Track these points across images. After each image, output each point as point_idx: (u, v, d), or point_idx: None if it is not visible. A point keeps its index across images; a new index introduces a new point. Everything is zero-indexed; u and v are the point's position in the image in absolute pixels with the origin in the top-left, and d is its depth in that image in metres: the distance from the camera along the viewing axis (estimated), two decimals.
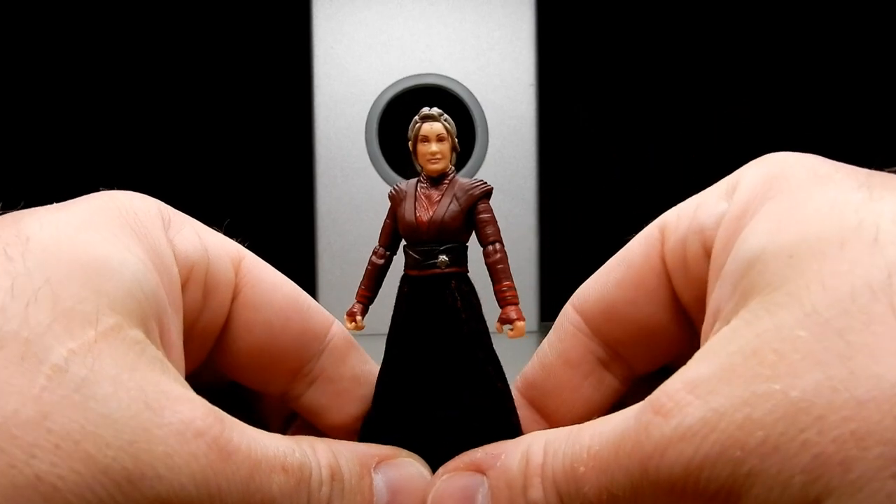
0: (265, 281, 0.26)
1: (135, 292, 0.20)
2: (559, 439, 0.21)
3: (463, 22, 0.73)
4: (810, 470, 0.16)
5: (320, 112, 0.72)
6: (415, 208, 0.25)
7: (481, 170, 0.72)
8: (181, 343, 0.23)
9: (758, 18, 0.81)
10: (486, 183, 0.25)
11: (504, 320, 0.24)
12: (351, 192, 0.73)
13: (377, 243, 0.26)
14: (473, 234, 0.26)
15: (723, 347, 0.19)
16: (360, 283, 0.26)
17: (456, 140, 0.25)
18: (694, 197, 0.25)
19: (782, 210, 0.20)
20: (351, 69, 0.73)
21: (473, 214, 0.25)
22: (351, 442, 0.24)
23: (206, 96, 0.84)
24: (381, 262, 0.26)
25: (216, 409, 0.20)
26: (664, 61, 0.83)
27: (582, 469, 0.20)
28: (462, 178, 0.25)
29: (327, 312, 0.27)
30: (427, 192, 0.25)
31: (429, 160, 0.25)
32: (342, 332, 0.27)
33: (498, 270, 0.24)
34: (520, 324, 0.24)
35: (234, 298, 0.25)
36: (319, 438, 0.23)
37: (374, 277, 0.26)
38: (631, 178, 0.82)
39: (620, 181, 0.83)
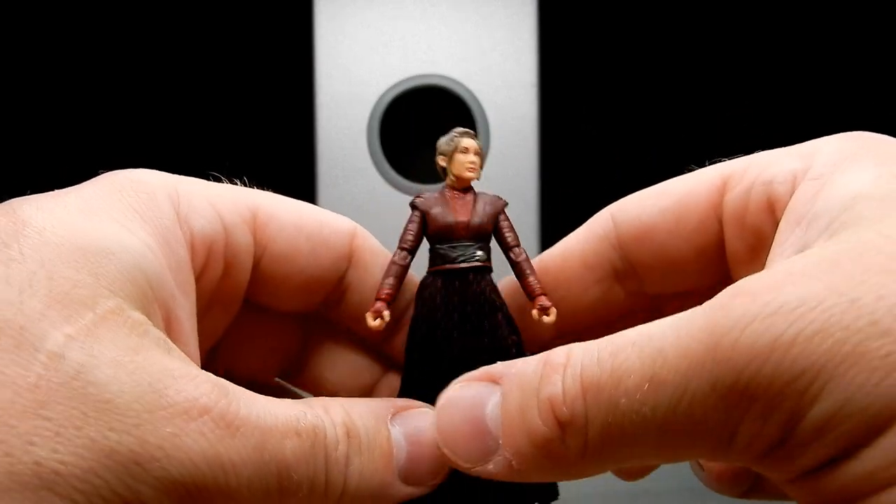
0: (285, 230, 0.26)
1: (136, 275, 0.20)
2: (586, 346, 0.20)
3: (465, 22, 0.73)
4: None
5: (322, 112, 0.72)
6: (453, 211, 0.27)
7: (482, 171, 0.72)
8: (193, 324, 0.23)
9: (761, 19, 0.81)
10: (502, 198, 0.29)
11: (543, 307, 0.26)
12: (352, 192, 0.72)
13: (399, 246, 0.27)
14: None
15: (821, 249, 0.18)
16: (384, 282, 0.27)
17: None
18: (760, 153, 0.25)
19: (878, 170, 0.20)
20: (353, 69, 0.73)
21: (496, 222, 0.28)
22: (365, 399, 0.24)
23: (208, 96, 0.84)
24: (406, 262, 0.27)
25: (222, 382, 0.20)
26: (667, 62, 0.83)
27: (622, 357, 0.18)
28: (483, 192, 0.28)
29: (345, 225, 0.27)
30: (458, 199, 0.28)
31: (468, 168, 0.28)
32: (363, 243, 0.28)
33: (530, 265, 0.27)
34: (554, 309, 0.27)
35: (258, 259, 0.26)
36: (331, 398, 0.23)
37: (399, 277, 0.27)
38: (632, 180, 0.82)
39: (622, 183, 0.83)
